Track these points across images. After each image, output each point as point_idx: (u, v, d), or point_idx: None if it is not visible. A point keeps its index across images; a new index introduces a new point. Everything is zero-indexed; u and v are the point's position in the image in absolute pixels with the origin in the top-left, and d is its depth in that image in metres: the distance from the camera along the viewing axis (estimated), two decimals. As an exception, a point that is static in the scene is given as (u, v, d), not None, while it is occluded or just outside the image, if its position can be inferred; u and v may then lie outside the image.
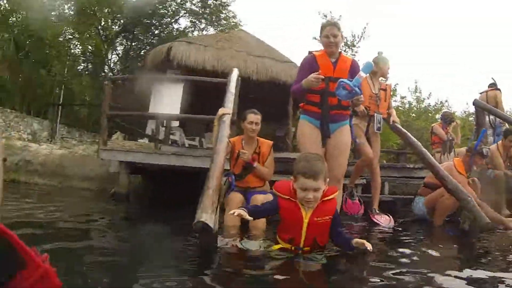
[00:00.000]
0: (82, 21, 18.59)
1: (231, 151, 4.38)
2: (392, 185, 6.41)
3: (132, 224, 4.73)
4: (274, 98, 11.54)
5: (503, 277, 2.40)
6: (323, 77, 3.77)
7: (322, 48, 4.12)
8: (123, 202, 6.22)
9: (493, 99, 8.45)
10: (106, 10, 19.88)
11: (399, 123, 5.72)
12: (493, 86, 8.67)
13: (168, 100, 7.57)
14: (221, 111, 4.27)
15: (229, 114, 4.34)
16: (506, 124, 7.83)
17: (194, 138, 12.13)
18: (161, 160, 6.18)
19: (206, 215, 2.99)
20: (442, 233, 4.88)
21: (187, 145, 10.58)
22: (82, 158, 8.61)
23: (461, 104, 38.51)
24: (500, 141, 6.68)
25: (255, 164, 4.33)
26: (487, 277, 2.44)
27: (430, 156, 5.24)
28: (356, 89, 3.58)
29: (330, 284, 2.40)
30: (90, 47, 20.62)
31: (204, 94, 8.84)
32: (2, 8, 18.07)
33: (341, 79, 3.63)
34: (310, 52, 4.20)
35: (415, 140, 5.38)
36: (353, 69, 3.91)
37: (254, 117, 4.44)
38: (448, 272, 2.48)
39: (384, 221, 4.98)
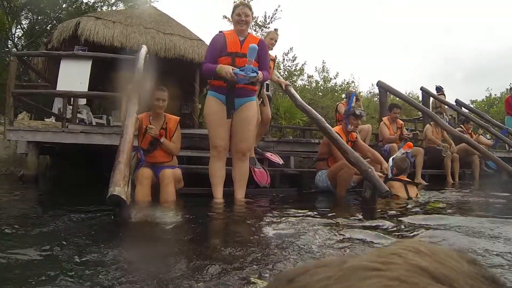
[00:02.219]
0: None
1: (139, 127, 4.42)
2: (298, 159, 6.79)
3: (45, 208, 4.45)
4: (182, 75, 11.55)
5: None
6: (236, 78, 3.97)
7: (233, 28, 4.34)
8: (32, 184, 6.01)
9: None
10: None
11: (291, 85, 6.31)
12: (439, 90, 10.76)
13: (76, 77, 7.27)
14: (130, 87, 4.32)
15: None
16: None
17: (101, 116, 11.94)
18: (69, 139, 6.02)
19: (119, 188, 3.07)
20: (345, 201, 5.29)
21: (94, 123, 10.33)
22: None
23: (367, 85, 40.65)
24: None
25: (162, 139, 4.42)
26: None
27: (333, 130, 5.59)
28: (250, 74, 3.90)
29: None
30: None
31: (112, 71, 8.66)
32: None
33: (235, 71, 3.91)
34: (220, 32, 4.37)
35: (319, 115, 5.71)
36: (260, 47, 4.12)
37: (161, 94, 4.49)
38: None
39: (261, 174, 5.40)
